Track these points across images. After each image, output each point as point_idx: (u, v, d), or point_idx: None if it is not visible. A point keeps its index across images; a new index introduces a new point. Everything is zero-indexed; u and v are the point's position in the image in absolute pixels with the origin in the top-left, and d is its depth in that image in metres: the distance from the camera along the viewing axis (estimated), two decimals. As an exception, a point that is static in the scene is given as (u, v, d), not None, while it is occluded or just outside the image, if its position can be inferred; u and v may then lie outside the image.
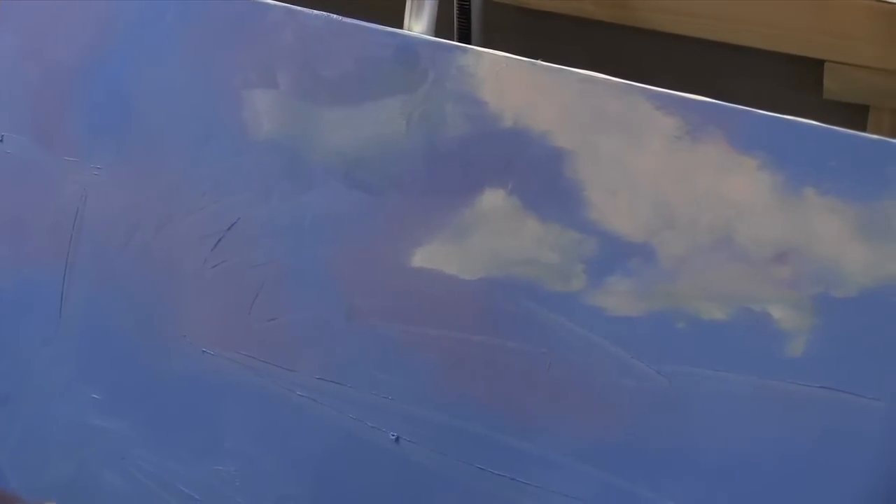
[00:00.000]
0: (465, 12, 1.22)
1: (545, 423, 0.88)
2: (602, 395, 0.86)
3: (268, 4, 1.00)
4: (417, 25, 1.08)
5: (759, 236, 0.82)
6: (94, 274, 1.09)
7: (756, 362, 0.81)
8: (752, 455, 0.81)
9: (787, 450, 0.81)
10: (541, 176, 0.89)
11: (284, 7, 0.99)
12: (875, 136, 0.81)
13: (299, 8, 0.99)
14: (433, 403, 0.93)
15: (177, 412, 1.04)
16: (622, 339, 0.85)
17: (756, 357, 0.81)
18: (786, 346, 0.81)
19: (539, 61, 0.90)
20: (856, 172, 0.80)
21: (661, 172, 0.85)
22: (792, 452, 0.80)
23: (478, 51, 0.92)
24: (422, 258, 0.93)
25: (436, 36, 1.00)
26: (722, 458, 0.82)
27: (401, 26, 1.09)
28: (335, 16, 0.97)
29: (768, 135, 0.82)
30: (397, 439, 0.94)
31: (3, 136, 1.15)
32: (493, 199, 0.90)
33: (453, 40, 1.07)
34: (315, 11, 0.98)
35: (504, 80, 0.90)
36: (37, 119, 1.13)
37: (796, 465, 0.80)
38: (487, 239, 0.90)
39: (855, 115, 1.10)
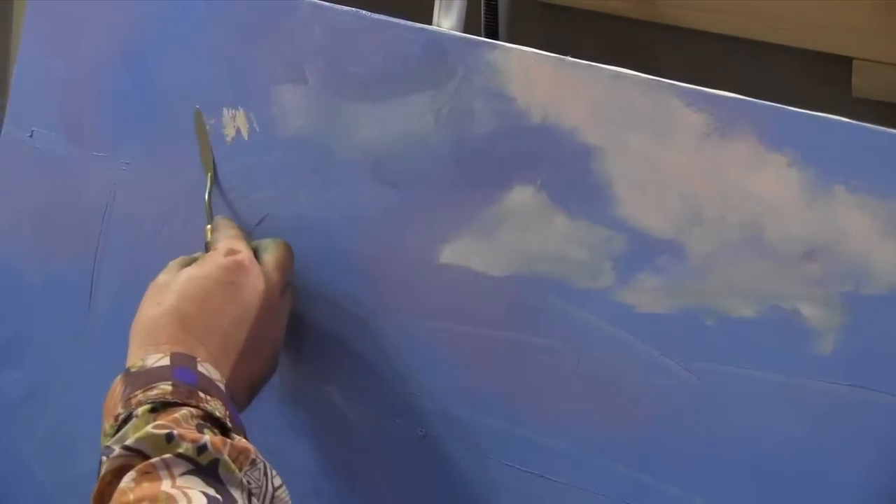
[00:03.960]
0: (492, 8, 1.22)
1: (573, 419, 0.88)
2: (630, 392, 0.86)
3: (296, 0, 1.00)
4: (446, 21, 1.08)
5: (788, 233, 0.82)
6: (123, 269, 1.09)
7: (785, 360, 0.81)
8: (781, 453, 0.81)
9: (816, 448, 0.80)
10: (569, 172, 0.89)
11: (313, 3, 1.00)
12: (905, 134, 0.81)
13: (328, 3, 0.99)
14: (460, 400, 0.93)
15: (204, 407, 1.04)
16: (651, 336, 0.85)
17: (785, 355, 0.81)
18: (815, 344, 0.80)
19: (568, 57, 0.89)
20: (886, 169, 0.79)
21: (689, 169, 0.85)
22: (821, 450, 0.80)
23: (506, 47, 0.92)
24: (450, 254, 0.93)
25: (463, 32, 1.00)
26: (750, 456, 0.82)
27: (430, 22, 1.09)
28: (364, 11, 0.97)
29: (798, 132, 0.82)
30: (424, 435, 0.94)
31: (32, 131, 1.15)
32: (522, 196, 0.90)
33: (480, 36, 1.07)
34: (343, 7, 0.98)
35: (532, 76, 0.90)
36: (66, 115, 1.13)
37: (825, 463, 0.80)
38: (515, 235, 0.90)
39: (883, 112, 1.09)
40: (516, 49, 0.91)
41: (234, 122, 1.03)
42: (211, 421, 0.82)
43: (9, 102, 1.18)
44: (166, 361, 0.85)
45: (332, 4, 0.99)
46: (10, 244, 1.17)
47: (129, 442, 0.79)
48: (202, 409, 0.82)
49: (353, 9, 0.98)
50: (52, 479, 1.15)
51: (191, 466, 0.77)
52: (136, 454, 0.78)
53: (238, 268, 0.92)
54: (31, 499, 1.16)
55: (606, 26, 1.24)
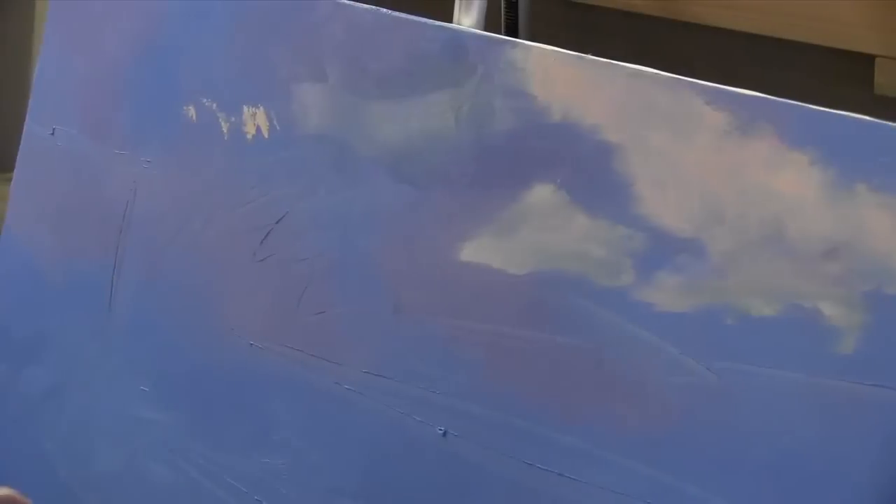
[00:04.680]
0: (512, 6, 1.22)
1: (593, 418, 0.88)
2: (651, 390, 0.86)
3: (317, -2, 1.00)
4: (467, 19, 1.08)
5: (809, 232, 0.82)
6: (143, 266, 1.10)
7: (806, 359, 0.81)
8: (802, 453, 0.81)
9: (838, 448, 0.80)
10: (589, 170, 0.88)
11: (333, 1, 1.00)
12: (928, 132, 0.81)
13: (348, 2, 0.99)
14: (481, 398, 0.93)
15: (224, 405, 1.05)
16: (671, 334, 0.85)
17: (806, 354, 0.81)
18: (836, 343, 0.80)
19: (588, 55, 0.89)
20: (908, 168, 0.79)
21: (710, 167, 0.85)
22: (842, 450, 0.80)
23: (527, 45, 0.92)
24: (469, 252, 0.93)
25: (484, 30, 1.00)
26: (771, 456, 0.82)
27: (450, 20, 1.09)
28: (384, 10, 0.97)
29: (819, 130, 0.82)
30: (445, 434, 0.94)
31: (54, 129, 1.15)
32: (542, 194, 0.90)
33: (501, 34, 1.07)
34: (364, 5, 0.98)
35: (553, 74, 0.90)
36: (87, 113, 1.14)
37: (847, 463, 0.80)
38: (535, 233, 0.90)
39: (906, 110, 1.09)
40: (536, 47, 0.91)
41: (255, 121, 1.03)
42: None
43: (30, 100, 1.18)
44: None
45: (352, 3, 0.99)
46: (32, 242, 1.17)
47: None
48: None
49: (374, 7, 0.98)
50: (74, 477, 1.15)
51: None
52: None
53: None
54: (53, 496, 1.16)
55: (627, 24, 1.24)
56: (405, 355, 0.96)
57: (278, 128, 1.02)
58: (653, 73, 0.87)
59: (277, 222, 1.02)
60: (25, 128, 1.18)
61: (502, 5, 1.22)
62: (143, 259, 1.10)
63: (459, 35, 0.95)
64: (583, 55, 0.90)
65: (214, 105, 1.05)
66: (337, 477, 1.00)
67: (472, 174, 0.93)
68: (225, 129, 1.05)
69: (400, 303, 0.96)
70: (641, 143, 0.87)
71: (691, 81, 0.86)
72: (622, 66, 0.88)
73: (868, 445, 0.79)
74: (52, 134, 1.16)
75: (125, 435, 1.11)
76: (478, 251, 0.93)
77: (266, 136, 1.03)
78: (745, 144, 0.84)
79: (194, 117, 1.07)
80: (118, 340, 1.11)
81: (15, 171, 1.19)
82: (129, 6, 1.12)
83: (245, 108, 1.04)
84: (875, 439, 0.79)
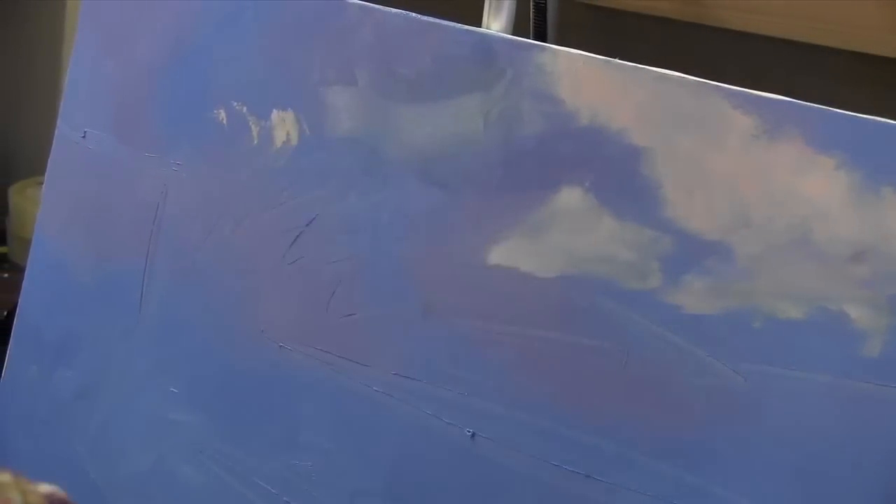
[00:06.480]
0: (540, 11, 1.22)
1: (621, 420, 0.89)
2: (678, 393, 0.86)
3: (346, 3, 1.01)
4: (496, 23, 1.09)
5: (836, 235, 0.82)
6: (174, 268, 1.10)
7: (832, 362, 0.81)
8: (828, 455, 0.81)
9: (864, 450, 0.80)
10: (617, 174, 0.89)
11: (362, 5, 1.00)
12: (954, 136, 0.81)
13: (377, 6, 1.00)
14: (509, 400, 0.93)
15: (254, 407, 1.05)
16: (698, 337, 0.85)
17: (832, 356, 0.81)
18: (862, 346, 0.80)
19: (616, 59, 0.90)
20: (935, 172, 0.79)
21: (737, 171, 0.85)
22: (868, 453, 0.80)
23: (555, 49, 0.92)
24: (498, 255, 0.93)
25: (512, 34, 1.00)
26: (798, 458, 0.82)
27: (479, 24, 1.09)
28: (413, 14, 0.98)
29: (846, 134, 0.82)
30: (473, 435, 0.95)
31: (85, 132, 1.16)
32: (570, 197, 0.91)
33: (529, 39, 1.07)
34: (393, 9, 0.99)
35: (581, 78, 0.91)
36: (118, 116, 1.14)
37: (872, 465, 0.80)
38: (564, 236, 0.91)
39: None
40: (564, 51, 0.91)
41: (285, 124, 1.04)
42: None
43: (61, 103, 1.19)
44: None
45: (381, 7, 1.00)
46: (63, 244, 1.18)
47: None
48: None
49: (403, 11, 0.98)
50: (104, 478, 1.16)
51: None
52: None
53: None
54: (83, 497, 1.17)
55: (655, 29, 1.24)
56: (434, 357, 0.97)
57: (308, 131, 1.02)
58: (680, 76, 0.87)
59: (307, 225, 1.02)
60: (57, 131, 1.19)
61: (531, 10, 1.22)
62: (173, 261, 1.11)
63: (488, 39, 0.95)
64: (610, 59, 0.90)
65: (244, 108, 1.06)
66: (366, 478, 1.00)
67: (501, 177, 0.94)
68: (255, 133, 1.05)
69: (429, 305, 0.97)
70: (669, 147, 0.87)
71: (718, 85, 0.86)
72: (650, 70, 0.88)
73: (894, 447, 0.79)
74: (84, 137, 1.17)
75: (155, 436, 1.12)
76: (506, 254, 0.93)
77: (296, 139, 1.03)
78: (772, 148, 0.84)
79: (224, 120, 1.07)
80: (148, 342, 1.12)
81: (46, 174, 1.20)
82: (161, 9, 1.12)
83: (275, 112, 1.04)
84: (902, 441, 0.79)
